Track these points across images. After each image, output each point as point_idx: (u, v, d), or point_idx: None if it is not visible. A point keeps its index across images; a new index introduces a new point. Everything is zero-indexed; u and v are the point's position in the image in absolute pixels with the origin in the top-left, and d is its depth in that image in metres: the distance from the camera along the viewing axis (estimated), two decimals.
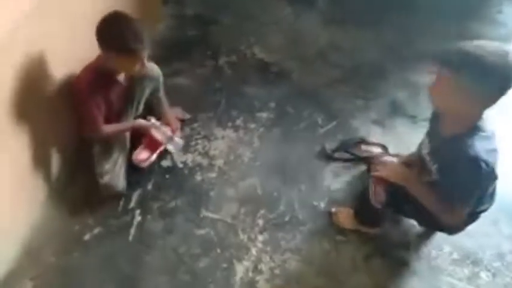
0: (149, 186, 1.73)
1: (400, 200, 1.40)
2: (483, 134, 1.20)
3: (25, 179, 1.48)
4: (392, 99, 2.21)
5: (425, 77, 2.30)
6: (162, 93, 1.81)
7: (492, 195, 1.37)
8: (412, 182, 1.35)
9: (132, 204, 1.67)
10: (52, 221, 1.59)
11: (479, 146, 1.16)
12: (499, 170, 1.22)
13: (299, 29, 2.62)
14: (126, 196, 1.68)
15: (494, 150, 1.20)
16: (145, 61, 1.49)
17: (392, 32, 2.58)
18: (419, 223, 1.57)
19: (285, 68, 2.34)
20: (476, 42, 1.10)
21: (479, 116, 1.21)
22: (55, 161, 1.64)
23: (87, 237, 1.56)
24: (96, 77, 1.50)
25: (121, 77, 1.60)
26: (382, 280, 1.53)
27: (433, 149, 1.35)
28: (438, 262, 1.59)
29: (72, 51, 1.56)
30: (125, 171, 1.67)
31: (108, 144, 1.66)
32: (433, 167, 1.32)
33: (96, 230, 1.58)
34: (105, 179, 1.61)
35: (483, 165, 1.14)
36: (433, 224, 1.45)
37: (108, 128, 1.62)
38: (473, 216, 1.39)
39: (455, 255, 1.61)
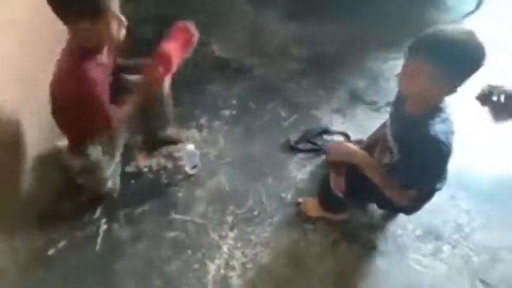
0: (114, 194, 1.70)
1: (358, 187, 1.43)
2: (444, 115, 1.24)
3: None
4: (352, 88, 2.27)
5: (383, 64, 2.38)
6: None
7: (445, 173, 1.43)
8: (357, 157, 1.37)
9: (97, 214, 1.63)
10: (14, 238, 1.53)
11: (439, 127, 1.20)
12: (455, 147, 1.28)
13: (259, 24, 2.63)
14: (90, 206, 1.64)
15: (451, 132, 1.24)
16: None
17: (350, 23, 2.63)
18: (379, 206, 1.63)
19: (246, 64, 2.35)
20: (442, 27, 1.12)
21: (442, 99, 1.25)
22: (14, 179, 1.57)
23: (51, 252, 1.52)
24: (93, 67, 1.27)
25: (103, 55, 1.36)
26: (351, 264, 1.58)
27: (395, 131, 1.38)
28: (404, 240, 1.65)
29: None
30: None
31: (111, 146, 1.56)
32: (395, 148, 1.36)
33: (61, 244, 1.54)
34: (109, 184, 1.58)
35: (442, 146, 1.18)
36: (390, 205, 1.50)
37: (120, 113, 1.42)
38: (429, 195, 1.45)
39: (418, 232, 1.68)
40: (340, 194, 1.47)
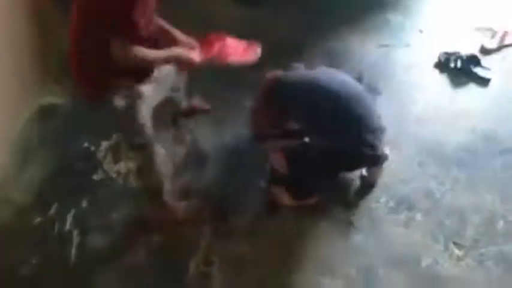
0: (83, 204, 1.66)
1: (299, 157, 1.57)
2: None
3: None
4: None
5: (341, 42, 2.39)
6: None
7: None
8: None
9: (67, 227, 1.59)
10: None
11: None
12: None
13: (211, 14, 2.58)
14: (60, 219, 1.60)
15: None
16: None
17: (306, 6, 2.62)
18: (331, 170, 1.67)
19: None
20: None
21: None
22: None
23: (24, 270, 1.47)
24: None
25: None
26: (330, 242, 1.61)
27: None
28: (378, 213, 1.69)
29: None
30: None
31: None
32: None
33: (34, 261, 1.50)
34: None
35: None
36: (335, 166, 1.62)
37: (148, 53, 1.33)
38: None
39: (391, 204, 1.72)
40: (284, 170, 1.56)
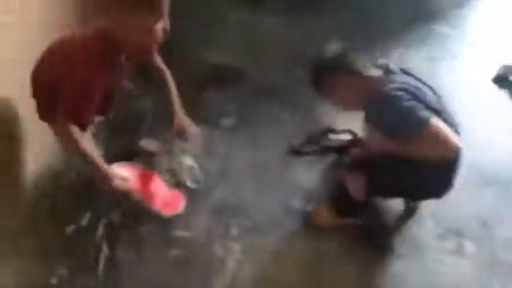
0: (113, 217, 1.65)
1: (381, 184, 1.41)
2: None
3: None
4: None
5: (385, 57, 2.28)
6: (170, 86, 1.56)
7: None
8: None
9: (97, 239, 1.59)
10: (16, 271, 1.50)
11: (387, 87, 1.33)
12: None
13: (249, 27, 2.57)
14: (90, 230, 1.60)
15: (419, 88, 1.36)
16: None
17: (345, 17, 2.55)
18: (407, 196, 1.56)
19: (240, 69, 2.29)
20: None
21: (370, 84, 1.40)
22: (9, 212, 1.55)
23: (54, 281, 1.47)
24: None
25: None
26: (368, 268, 1.48)
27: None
28: (422, 240, 1.55)
29: None
30: None
31: None
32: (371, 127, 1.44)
33: (63, 272, 1.50)
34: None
35: (394, 92, 1.31)
36: (420, 190, 1.45)
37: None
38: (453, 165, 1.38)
39: (438, 230, 1.56)
40: (361, 198, 1.43)
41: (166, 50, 2.28)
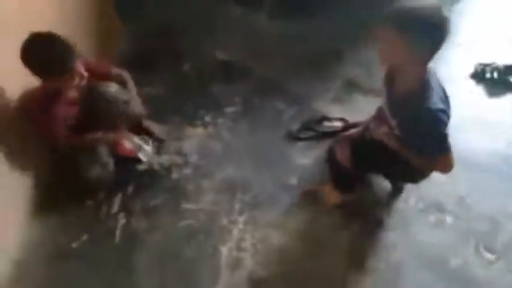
0: (129, 190, 1.81)
1: (364, 154, 1.52)
2: (437, 91, 1.29)
3: (8, 198, 1.55)
4: (348, 77, 2.36)
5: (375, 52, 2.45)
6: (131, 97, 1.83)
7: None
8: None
9: (115, 209, 1.74)
10: (38, 234, 1.65)
11: (436, 98, 1.26)
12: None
13: (252, 27, 2.75)
14: (108, 201, 1.76)
15: (447, 97, 1.34)
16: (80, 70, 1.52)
17: (340, 16, 2.73)
18: (387, 176, 1.71)
19: (246, 65, 2.46)
20: (413, 3, 1.21)
21: (425, 70, 1.30)
22: (31, 179, 1.71)
23: (74, 245, 1.63)
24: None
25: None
26: (360, 240, 1.65)
27: (390, 107, 1.43)
28: (407, 214, 1.72)
29: None
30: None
31: (95, 152, 1.74)
32: (393, 122, 1.40)
33: (84, 237, 1.65)
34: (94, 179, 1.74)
35: (440, 114, 1.25)
36: (396, 175, 1.59)
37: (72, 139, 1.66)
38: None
39: (421, 206, 1.74)
40: (347, 164, 1.55)
41: (179, 50, 2.50)
